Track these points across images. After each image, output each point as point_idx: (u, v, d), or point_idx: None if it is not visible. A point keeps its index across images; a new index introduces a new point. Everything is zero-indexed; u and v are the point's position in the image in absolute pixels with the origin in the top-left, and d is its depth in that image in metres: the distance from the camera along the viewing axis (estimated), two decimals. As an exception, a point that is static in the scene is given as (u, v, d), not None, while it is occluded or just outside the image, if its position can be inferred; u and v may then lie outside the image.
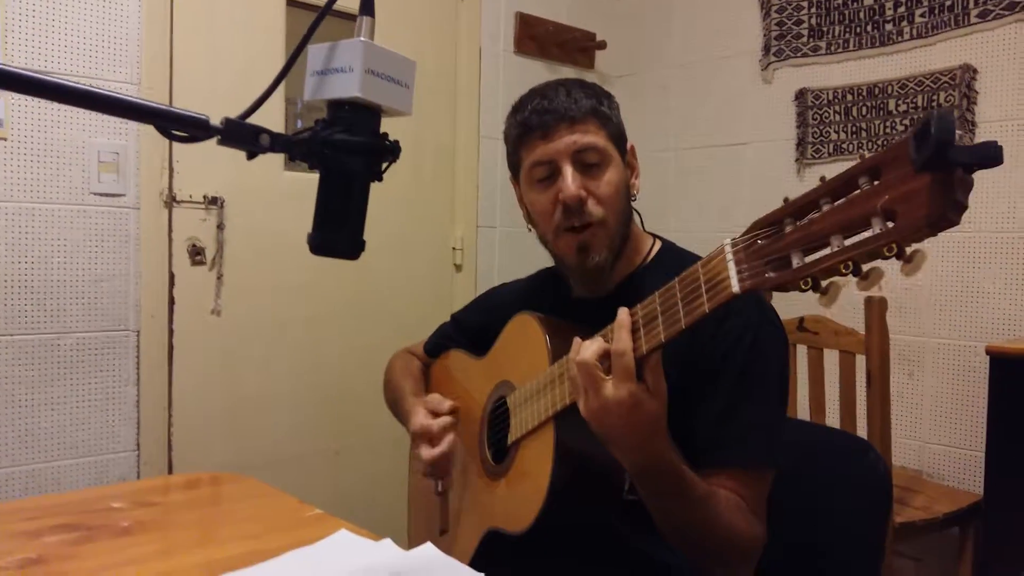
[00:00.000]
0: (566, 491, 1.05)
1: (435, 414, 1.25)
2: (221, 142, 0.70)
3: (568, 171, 1.11)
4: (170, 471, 2.22)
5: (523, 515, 1.08)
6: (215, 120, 0.70)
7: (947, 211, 0.60)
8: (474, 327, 1.44)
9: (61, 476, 2.05)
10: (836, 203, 0.68)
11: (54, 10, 1.99)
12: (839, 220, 0.67)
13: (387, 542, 0.99)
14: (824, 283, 0.70)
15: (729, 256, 0.78)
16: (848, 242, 0.67)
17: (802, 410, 2.19)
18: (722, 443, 1.05)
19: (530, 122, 1.14)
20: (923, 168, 0.60)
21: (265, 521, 1.11)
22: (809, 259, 0.70)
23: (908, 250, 0.63)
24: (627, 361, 0.89)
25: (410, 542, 1.48)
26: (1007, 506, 2.01)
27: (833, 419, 2.04)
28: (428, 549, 0.99)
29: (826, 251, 0.68)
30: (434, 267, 2.80)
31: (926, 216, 0.60)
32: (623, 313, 0.91)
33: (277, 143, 0.72)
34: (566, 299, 1.27)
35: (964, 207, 0.61)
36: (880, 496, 1.19)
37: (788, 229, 0.72)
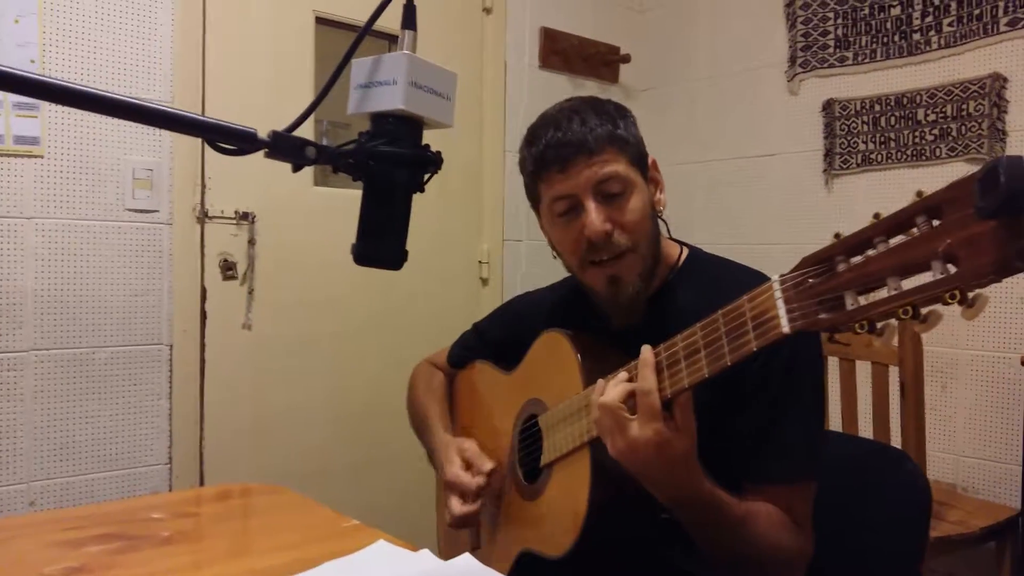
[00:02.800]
0: (603, 516, 1.04)
1: (471, 468, 1.23)
2: (268, 155, 0.71)
3: (591, 206, 1.06)
4: (201, 483, 2.24)
5: (560, 540, 1.07)
6: (261, 133, 0.71)
7: (1014, 259, 0.58)
8: (497, 339, 1.42)
9: (95, 488, 2.07)
10: (892, 243, 0.66)
11: (89, 30, 2.03)
12: (897, 262, 0.65)
13: (425, 552, 0.99)
14: (880, 325, 0.68)
15: (778, 294, 0.76)
16: (905, 284, 0.65)
17: (834, 422, 2.17)
18: (764, 459, 1.04)
19: (546, 157, 1.09)
20: (991, 216, 0.58)
21: (303, 531, 1.11)
22: (864, 300, 0.68)
23: (970, 296, 0.62)
24: (652, 400, 0.88)
25: (442, 557, 1.47)
26: (1046, 520, 1.98)
27: (866, 431, 2.02)
28: (466, 559, 0.99)
29: (882, 292, 0.67)
30: (461, 281, 2.81)
31: (992, 264, 0.59)
32: (647, 352, 0.91)
33: (323, 155, 0.73)
34: (596, 322, 1.21)
35: None
36: (920, 506, 1.17)
37: (841, 268, 0.70)
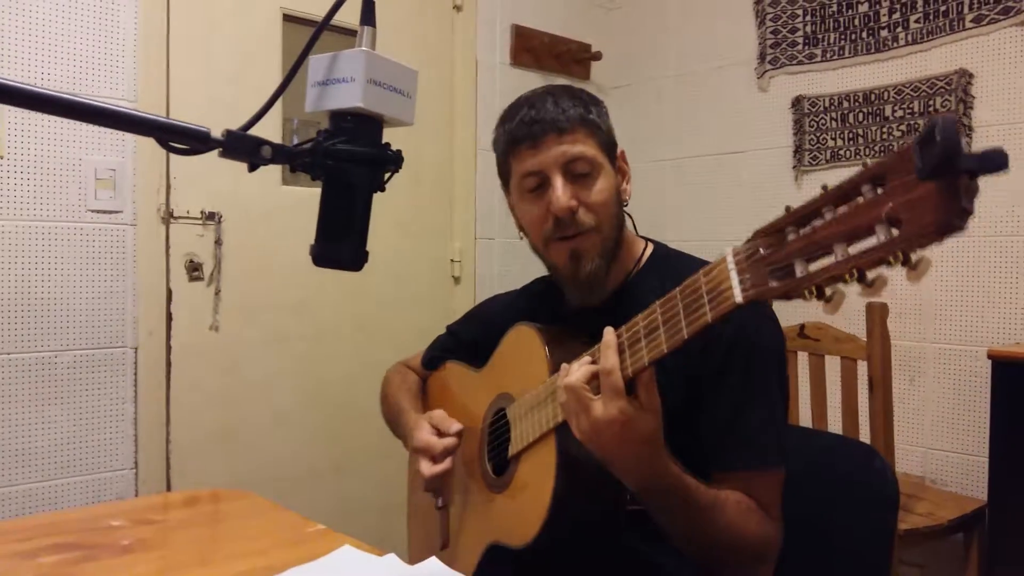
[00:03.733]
0: (569, 503, 1.04)
1: (440, 432, 1.23)
2: (222, 154, 0.69)
3: (558, 182, 1.10)
4: (168, 489, 2.20)
5: (526, 529, 1.06)
6: (216, 133, 0.69)
7: (954, 218, 0.59)
8: (470, 339, 1.43)
9: (58, 495, 2.03)
10: (840, 211, 0.67)
11: (50, 28, 1.99)
12: (843, 228, 0.66)
13: (391, 557, 0.98)
14: (828, 291, 0.69)
15: (731, 265, 0.77)
16: (852, 250, 0.66)
17: (804, 417, 2.18)
18: (730, 447, 1.05)
19: (518, 133, 1.13)
20: (929, 176, 0.59)
21: (268, 537, 1.09)
22: (813, 267, 0.69)
23: (913, 257, 0.63)
24: (615, 380, 0.88)
25: (411, 559, 1.46)
26: (1011, 511, 2.00)
27: (835, 426, 2.03)
28: (432, 563, 0.98)
29: (830, 259, 0.68)
30: (433, 280, 2.79)
31: (933, 223, 0.60)
32: (609, 333, 0.91)
33: (279, 154, 0.71)
34: (562, 309, 1.25)
35: (970, 213, 0.60)
36: (888, 502, 1.18)
37: (791, 238, 0.71)
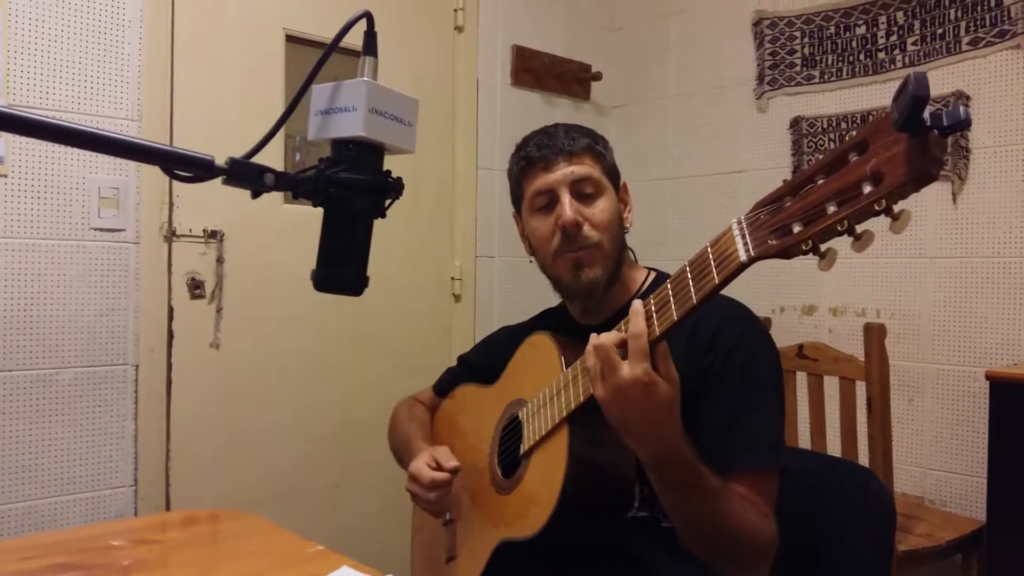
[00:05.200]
0: (577, 500, 1.06)
1: (437, 465, 1.26)
2: (226, 182, 0.70)
3: (566, 199, 1.21)
4: (168, 507, 2.20)
5: (535, 518, 1.08)
6: (220, 160, 0.71)
7: (927, 166, 0.68)
8: (481, 366, 1.47)
9: (58, 512, 2.03)
10: (830, 176, 0.76)
11: (56, 48, 2.01)
12: (833, 189, 0.74)
13: (390, 579, 0.98)
14: (823, 248, 0.76)
15: (736, 232, 0.85)
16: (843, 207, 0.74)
17: (803, 437, 2.18)
18: (728, 449, 1.07)
19: (532, 156, 1.25)
20: (904, 127, 0.67)
21: (267, 558, 1.10)
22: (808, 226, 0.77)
23: (895, 208, 0.71)
24: (642, 343, 0.93)
25: (416, 572, 1.47)
26: (1010, 531, 2.00)
27: (834, 446, 2.04)
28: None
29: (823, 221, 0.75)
30: (433, 298, 2.80)
31: (907, 172, 0.68)
32: (637, 303, 0.96)
33: (281, 182, 0.72)
34: (570, 326, 1.31)
35: (942, 163, 0.69)
36: (885, 524, 1.18)
37: (788, 203, 0.79)
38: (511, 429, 1.24)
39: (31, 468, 1.99)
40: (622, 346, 0.95)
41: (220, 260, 2.28)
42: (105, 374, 2.10)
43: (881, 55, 2.56)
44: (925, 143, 0.67)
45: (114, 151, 0.67)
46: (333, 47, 0.75)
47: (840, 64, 2.65)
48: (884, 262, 2.52)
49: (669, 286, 0.93)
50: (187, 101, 2.22)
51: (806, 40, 2.73)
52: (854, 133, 0.75)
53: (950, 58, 2.40)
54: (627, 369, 0.93)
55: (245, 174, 0.70)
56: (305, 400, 2.46)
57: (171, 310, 2.21)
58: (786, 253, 0.79)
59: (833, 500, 1.23)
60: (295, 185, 0.73)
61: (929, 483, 2.45)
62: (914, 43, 2.48)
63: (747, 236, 0.83)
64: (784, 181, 0.81)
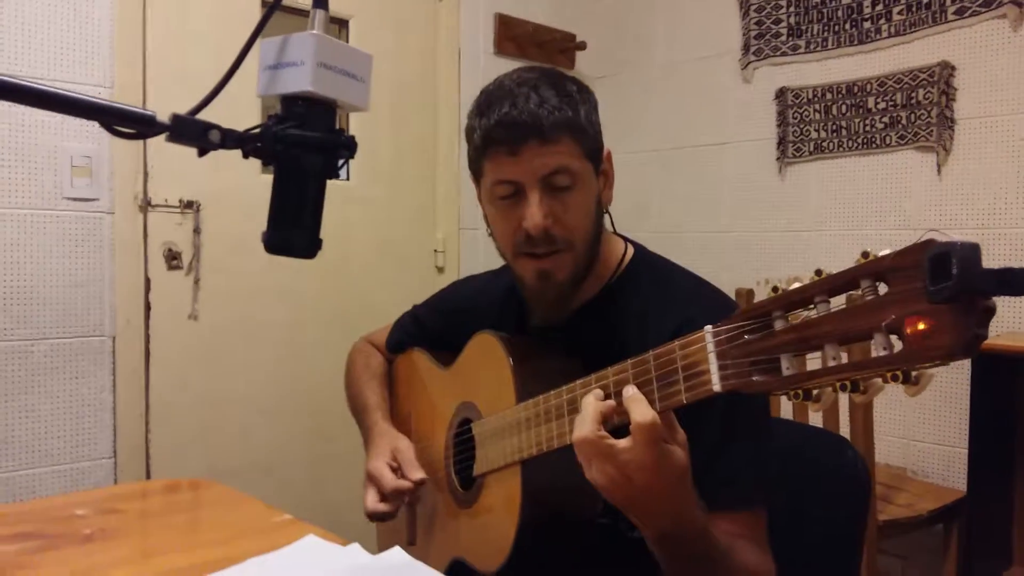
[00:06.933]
0: (535, 532, 1.00)
1: (397, 468, 1.19)
2: (169, 138, 0.68)
3: (535, 198, 1.00)
4: (148, 478, 2.19)
5: (491, 557, 1.04)
6: (162, 116, 0.68)
7: (967, 346, 0.54)
8: (434, 329, 1.38)
9: (36, 484, 2.02)
10: (833, 303, 0.62)
11: (24, 13, 1.96)
12: (837, 329, 0.61)
13: (355, 547, 0.97)
14: (816, 392, 0.65)
15: (711, 347, 0.71)
16: (844, 353, 0.61)
17: (786, 410, 2.18)
18: (712, 486, 0.93)
19: (496, 134, 1.00)
20: (940, 303, 0.54)
21: (232, 528, 1.09)
22: (801, 366, 0.64)
23: (914, 374, 0.58)
24: (657, 432, 0.77)
25: (379, 550, 1.45)
26: (990, 502, 2.01)
27: (816, 417, 2.03)
28: (396, 553, 0.97)
29: (819, 355, 0.62)
30: (416, 269, 2.78)
31: (939, 348, 0.54)
32: (631, 388, 0.80)
33: (228, 139, 0.70)
34: (525, 327, 1.18)
35: (983, 338, 0.54)
36: (858, 495, 1.18)
37: (778, 325, 0.66)
38: (464, 435, 1.17)
39: (8, 440, 1.98)
40: (610, 415, 0.81)
41: (197, 231, 2.25)
42: (81, 345, 2.08)
43: (867, 25, 2.52)
44: (971, 311, 0.53)
45: (50, 105, 0.64)
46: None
47: (826, 34, 2.62)
48: (867, 233, 2.51)
49: (630, 370, 0.80)
50: (161, 67, 2.18)
51: (792, 9, 2.70)
52: (870, 253, 0.59)
53: (936, 27, 2.37)
54: (635, 453, 0.77)
55: (189, 131, 0.68)
56: (284, 371, 2.45)
57: (148, 281, 2.18)
58: (769, 395, 0.68)
59: (808, 471, 1.22)
60: (242, 143, 0.71)
61: (912, 454, 2.46)
62: (900, 12, 2.45)
63: (726, 359, 0.69)
64: (775, 289, 0.66)
